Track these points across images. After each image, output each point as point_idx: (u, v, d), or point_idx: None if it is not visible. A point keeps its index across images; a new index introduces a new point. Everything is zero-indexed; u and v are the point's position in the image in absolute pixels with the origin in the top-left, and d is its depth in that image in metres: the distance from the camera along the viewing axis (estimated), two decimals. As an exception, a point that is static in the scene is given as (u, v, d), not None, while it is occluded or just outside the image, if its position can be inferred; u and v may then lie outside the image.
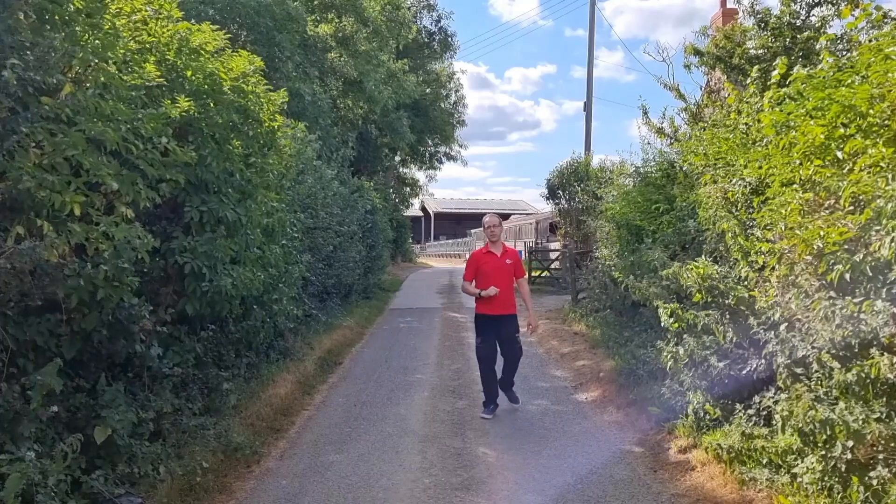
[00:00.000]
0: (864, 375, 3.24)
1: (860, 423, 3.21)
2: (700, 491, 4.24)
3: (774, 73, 4.31)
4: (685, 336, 4.98)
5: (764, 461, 4.08)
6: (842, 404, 3.38)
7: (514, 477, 4.61)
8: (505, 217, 48.84)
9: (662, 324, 5.12)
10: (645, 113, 10.25)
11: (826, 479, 3.48)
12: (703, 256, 5.31)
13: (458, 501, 4.23)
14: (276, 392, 6.37)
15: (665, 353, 5.06)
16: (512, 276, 6.25)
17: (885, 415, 3.26)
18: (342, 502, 4.22)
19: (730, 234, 4.64)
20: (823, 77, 3.85)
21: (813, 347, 3.61)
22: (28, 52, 3.45)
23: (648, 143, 9.59)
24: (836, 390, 3.47)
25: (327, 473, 4.68)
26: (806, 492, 3.59)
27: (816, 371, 3.61)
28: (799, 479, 3.68)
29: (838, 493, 3.41)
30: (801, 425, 3.50)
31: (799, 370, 3.76)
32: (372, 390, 7.13)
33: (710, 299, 4.85)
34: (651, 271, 6.20)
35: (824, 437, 3.38)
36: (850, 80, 3.61)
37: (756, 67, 5.99)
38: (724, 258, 5.23)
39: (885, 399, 3.27)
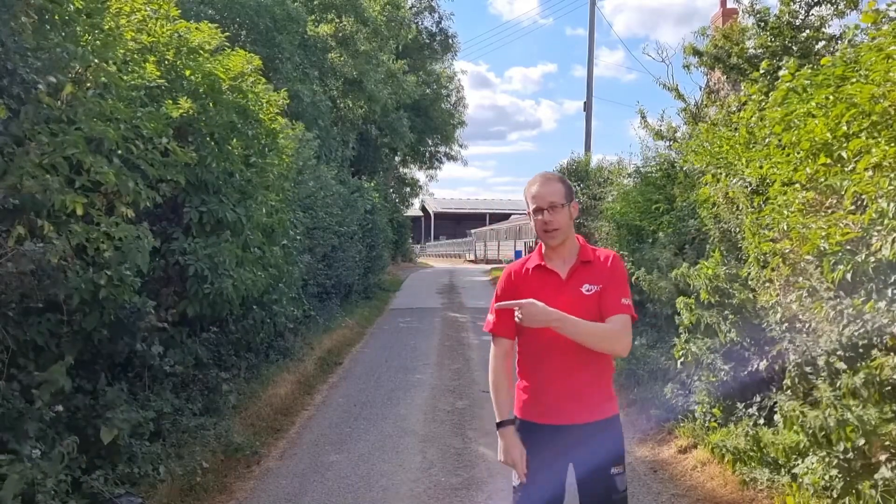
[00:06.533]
0: (872, 377, 3.24)
1: (873, 424, 3.21)
2: (700, 491, 4.24)
3: (784, 72, 4.30)
4: (695, 335, 5.00)
5: (766, 461, 4.08)
6: (850, 402, 3.38)
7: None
8: (505, 217, 49.10)
9: (681, 317, 5.11)
10: (643, 116, 10.26)
11: (829, 479, 3.47)
12: (710, 255, 5.31)
13: (458, 501, 4.23)
14: (276, 392, 6.37)
15: (679, 350, 5.07)
16: (596, 316, 2.42)
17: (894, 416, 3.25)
18: (342, 502, 4.22)
19: (749, 232, 4.64)
20: (828, 74, 3.84)
21: (823, 350, 3.61)
22: (30, 55, 3.45)
23: (647, 147, 9.60)
24: (842, 390, 3.47)
25: (327, 473, 4.68)
26: (808, 492, 3.59)
27: (824, 371, 3.61)
28: (800, 480, 3.68)
29: (841, 494, 3.41)
30: (812, 427, 3.49)
31: (808, 369, 3.76)
32: (372, 390, 7.13)
33: (715, 299, 4.85)
34: (658, 269, 6.19)
35: (836, 437, 3.37)
36: (854, 79, 3.61)
37: (765, 62, 5.97)
38: (726, 258, 5.23)
39: (893, 400, 3.27)
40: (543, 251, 2.47)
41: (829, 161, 3.70)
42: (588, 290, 2.36)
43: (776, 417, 4.04)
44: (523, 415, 2.47)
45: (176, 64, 5.20)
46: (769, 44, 7.92)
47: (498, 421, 2.43)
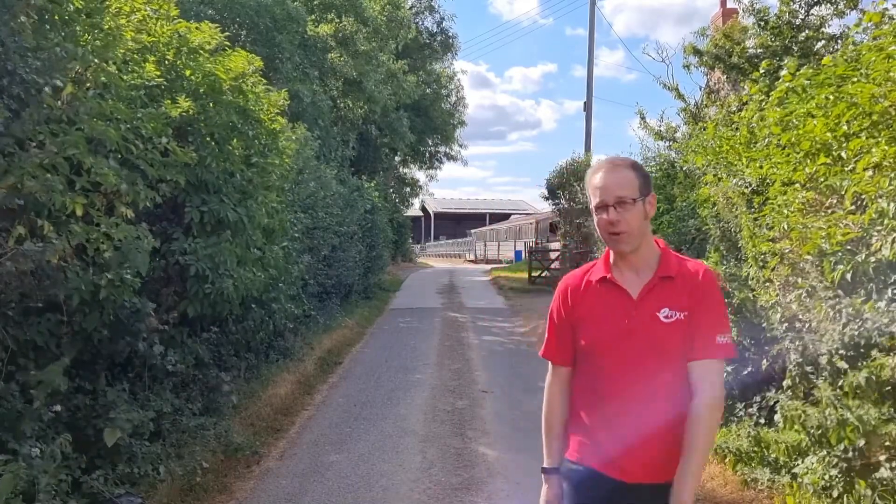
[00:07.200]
0: (874, 377, 3.24)
1: (874, 424, 3.21)
2: (700, 491, 4.24)
3: (784, 72, 4.31)
4: None
5: (766, 461, 4.08)
6: (850, 402, 3.38)
7: (514, 477, 4.61)
8: (505, 217, 49.11)
9: None
10: (643, 117, 10.28)
11: (828, 479, 3.48)
12: (709, 255, 5.31)
13: (458, 501, 4.23)
14: (276, 392, 6.37)
15: None
16: (678, 353, 1.82)
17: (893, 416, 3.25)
18: (342, 502, 4.22)
19: (747, 233, 4.64)
20: (828, 74, 3.84)
21: (825, 350, 3.61)
22: (30, 55, 3.45)
23: (647, 148, 9.62)
24: (844, 390, 3.47)
25: (327, 473, 4.68)
26: (808, 492, 3.59)
27: (825, 370, 3.61)
28: (800, 480, 3.68)
29: (841, 494, 3.41)
30: (812, 427, 3.49)
31: (809, 369, 3.76)
32: (372, 390, 7.13)
33: None
34: None
35: (836, 437, 3.37)
36: (855, 78, 3.61)
37: (765, 62, 5.98)
38: (725, 258, 5.23)
39: (893, 400, 3.27)
40: (611, 259, 1.92)
41: (828, 161, 3.70)
42: (667, 318, 1.79)
43: (776, 417, 4.04)
44: (579, 457, 1.93)
45: (176, 64, 5.19)
46: (769, 43, 7.93)
47: (544, 466, 2.03)
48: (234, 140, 5.57)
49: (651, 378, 1.79)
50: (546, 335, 2.04)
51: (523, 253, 28.89)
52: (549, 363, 2.05)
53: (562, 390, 2.01)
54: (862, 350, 3.40)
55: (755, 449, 4.17)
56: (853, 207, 3.51)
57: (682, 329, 1.79)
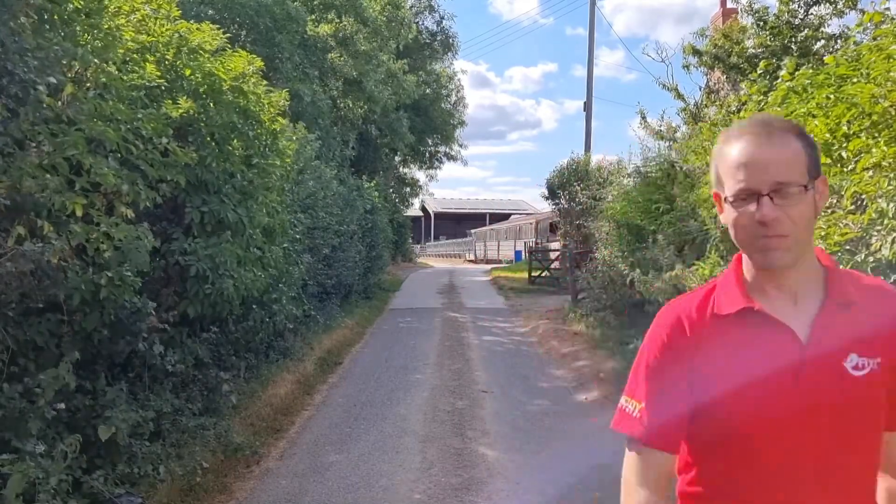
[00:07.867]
0: None
1: None
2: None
3: (783, 72, 4.31)
4: None
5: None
6: None
7: (514, 477, 4.61)
8: (505, 217, 49.08)
9: None
10: (643, 117, 10.29)
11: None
12: (708, 255, 5.30)
13: (457, 501, 4.23)
14: (275, 392, 6.37)
15: None
16: (877, 429, 1.15)
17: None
18: (342, 502, 4.22)
19: None
20: (828, 74, 3.84)
21: None
22: (29, 55, 3.45)
23: (647, 148, 9.63)
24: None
25: (327, 473, 4.68)
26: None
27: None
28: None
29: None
30: None
31: None
32: (372, 390, 7.13)
33: None
34: (657, 269, 6.19)
35: None
36: (855, 78, 3.61)
37: (764, 62, 5.98)
38: (725, 258, 5.23)
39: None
40: (747, 278, 1.21)
41: (828, 161, 3.70)
42: (858, 369, 1.13)
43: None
44: None
45: (176, 64, 5.19)
46: (768, 43, 7.93)
47: None
48: (235, 140, 5.57)
49: (842, 472, 1.13)
50: (639, 400, 1.21)
51: (523, 253, 28.89)
52: (631, 446, 1.22)
53: (659, 490, 1.20)
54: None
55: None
56: (853, 207, 3.51)
57: (879, 386, 1.13)
